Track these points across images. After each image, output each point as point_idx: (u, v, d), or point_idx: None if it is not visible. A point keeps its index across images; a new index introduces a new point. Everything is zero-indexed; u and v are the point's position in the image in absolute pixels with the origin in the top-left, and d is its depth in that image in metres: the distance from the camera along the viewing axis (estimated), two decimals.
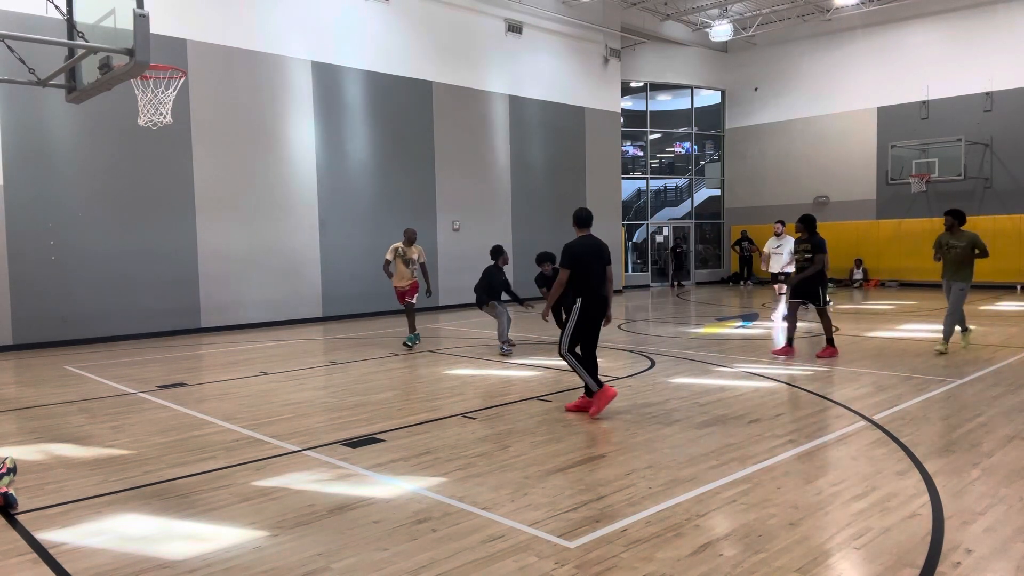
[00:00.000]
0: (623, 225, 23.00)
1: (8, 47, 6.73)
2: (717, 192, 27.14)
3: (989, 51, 20.38)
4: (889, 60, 22.20)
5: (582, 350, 6.74)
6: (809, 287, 9.68)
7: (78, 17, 6.54)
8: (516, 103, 19.14)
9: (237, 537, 4.00)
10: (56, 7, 6.48)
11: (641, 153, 26.30)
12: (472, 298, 11.34)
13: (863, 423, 6.16)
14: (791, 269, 12.72)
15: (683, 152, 27.28)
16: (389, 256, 11.01)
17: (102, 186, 12.64)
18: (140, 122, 9.48)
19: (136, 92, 9.34)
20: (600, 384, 6.59)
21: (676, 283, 24.78)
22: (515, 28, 18.95)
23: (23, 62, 6.98)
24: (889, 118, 22.24)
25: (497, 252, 10.82)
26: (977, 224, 18.66)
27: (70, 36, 6.55)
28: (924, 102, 21.59)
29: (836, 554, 3.66)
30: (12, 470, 4.65)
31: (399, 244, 11.09)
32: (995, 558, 3.57)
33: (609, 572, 3.49)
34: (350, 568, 3.59)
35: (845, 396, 7.22)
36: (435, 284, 16.36)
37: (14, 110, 11.72)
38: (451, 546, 3.81)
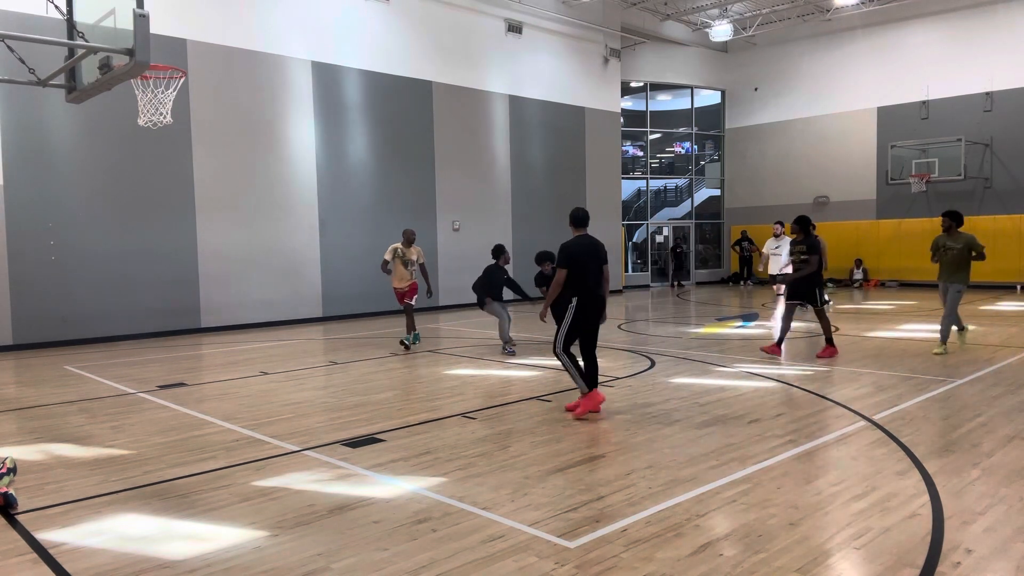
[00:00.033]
0: (623, 225, 22.99)
1: (8, 47, 6.74)
2: (717, 192, 27.13)
3: (989, 51, 20.37)
4: (889, 60, 22.19)
5: (582, 351, 6.74)
6: (805, 288, 9.59)
7: (78, 17, 6.54)
8: (516, 103, 19.14)
9: (237, 537, 4.01)
10: (56, 7, 6.49)
11: (641, 153, 26.29)
12: (472, 298, 11.34)
13: (863, 423, 6.16)
14: (790, 270, 12.68)
15: (683, 152, 27.27)
16: (388, 257, 10.99)
17: (102, 186, 12.64)
18: (140, 122, 9.47)
19: (136, 92, 9.34)
20: (592, 386, 6.59)
21: (676, 283, 24.78)
22: (515, 28, 18.95)
23: (23, 62, 6.98)
24: (889, 118, 22.24)
25: (499, 251, 10.82)
26: (977, 224, 18.68)
27: (70, 36, 6.55)
28: (924, 102, 21.58)
29: (836, 554, 3.66)
30: (12, 470, 4.65)
31: (398, 245, 11.08)
32: (995, 558, 3.58)
33: (609, 572, 3.49)
34: (350, 568, 3.59)
35: (845, 396, 7.22)
36: (435, 284, 16.36)
37: (14, 110, 11.72)
38: (451, 546, 3.81)
